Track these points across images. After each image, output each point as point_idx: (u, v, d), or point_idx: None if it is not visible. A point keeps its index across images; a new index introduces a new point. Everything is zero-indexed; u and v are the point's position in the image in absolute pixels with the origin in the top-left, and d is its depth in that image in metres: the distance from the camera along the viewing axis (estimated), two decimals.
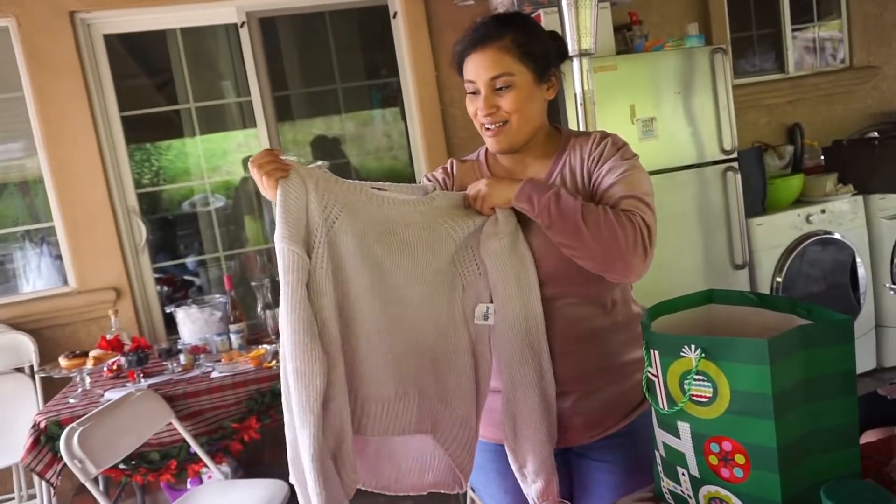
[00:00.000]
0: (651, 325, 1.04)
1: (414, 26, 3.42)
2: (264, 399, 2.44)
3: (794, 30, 4.15)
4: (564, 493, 1.38)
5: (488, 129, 1.30)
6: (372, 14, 3.54)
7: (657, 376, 0.99)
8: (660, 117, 3.02)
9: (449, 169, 1.44)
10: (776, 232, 3.32)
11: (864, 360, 3.49)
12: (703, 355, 0.92)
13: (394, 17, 3.47)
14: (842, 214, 3.43)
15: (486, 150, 1.41)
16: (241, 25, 3.30)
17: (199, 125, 3.45)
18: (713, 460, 0.94)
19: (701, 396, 0.93)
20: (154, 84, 3.77)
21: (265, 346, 2.73)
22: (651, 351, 0.99)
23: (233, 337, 2.82)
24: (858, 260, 3.45)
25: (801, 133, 3.92)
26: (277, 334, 2.78)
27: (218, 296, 3.15)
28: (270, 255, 3.56)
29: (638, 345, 1.33)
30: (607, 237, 1.13)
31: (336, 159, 3.76)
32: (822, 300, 3.34)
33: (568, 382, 1.30)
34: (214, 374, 2.53)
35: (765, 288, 3.30)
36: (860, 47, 4.24)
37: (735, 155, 3.17)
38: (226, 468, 2.56)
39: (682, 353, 0.94)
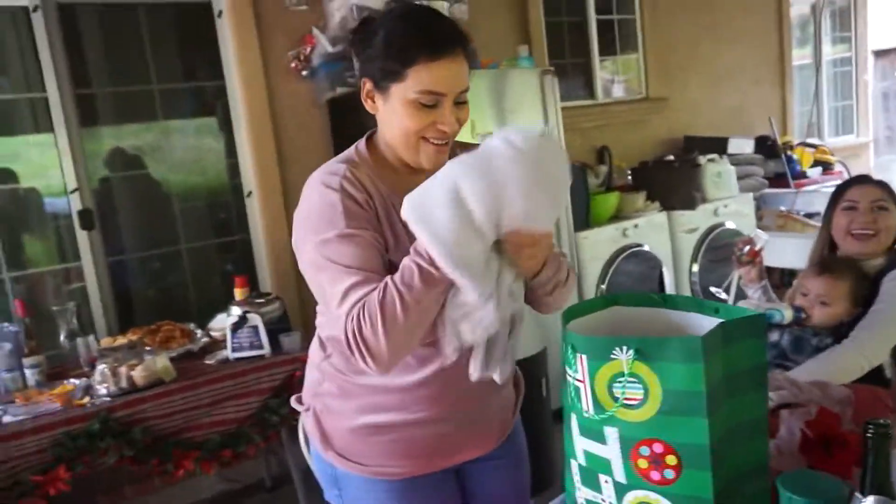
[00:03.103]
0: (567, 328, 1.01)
1: (242, 27, 3.19)
2: (76, 443, 2.07)
3: (601, 61, 4.53)
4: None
5: (436, 143, 1.14)
6: (193, 12, 3.25)
7: (583, 381, 0.96)
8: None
9: (358, 184, 1.14)
10: (599, 245, 3.55)
11: None
12: (635, 357, 0.90)
13: (219, 16, 3.22)
14: (651, 228, 3.77)
15: (365, 153, 1.20)
16: (34, 10, 2.85)
17: None
18: (643, 464, 0.92)
19: (632, 399, 0.91)
20: None
21: (73, 380, 2.33)
22: (578, 355, 0.95)
23: (28, 372, 2.38)
24: (664, 269, 3.81)
25: (609, 155, 4.26)
26: (92, 365, 2.40)
27: (5, 324, 2.64)
28: (70, 276, 3.09)
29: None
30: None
31: (135, 170, 3.31)
32: None
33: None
34: (7, 419, 2.10)
35: (590, 295, 3.51)
36: (654, 81, 4.73)
37: None
38: None
39: (612, 356, 0.91)
